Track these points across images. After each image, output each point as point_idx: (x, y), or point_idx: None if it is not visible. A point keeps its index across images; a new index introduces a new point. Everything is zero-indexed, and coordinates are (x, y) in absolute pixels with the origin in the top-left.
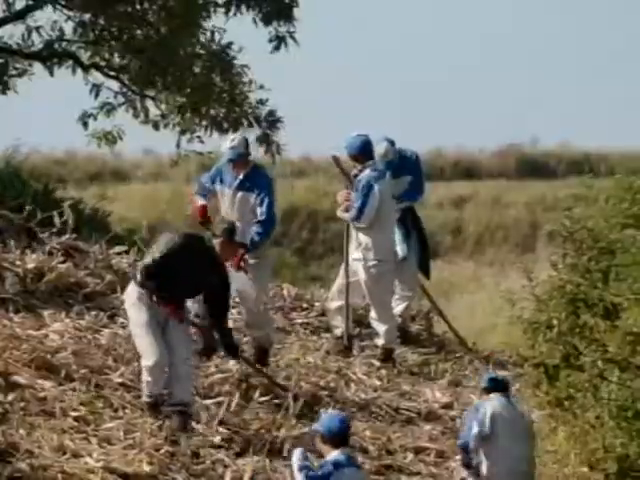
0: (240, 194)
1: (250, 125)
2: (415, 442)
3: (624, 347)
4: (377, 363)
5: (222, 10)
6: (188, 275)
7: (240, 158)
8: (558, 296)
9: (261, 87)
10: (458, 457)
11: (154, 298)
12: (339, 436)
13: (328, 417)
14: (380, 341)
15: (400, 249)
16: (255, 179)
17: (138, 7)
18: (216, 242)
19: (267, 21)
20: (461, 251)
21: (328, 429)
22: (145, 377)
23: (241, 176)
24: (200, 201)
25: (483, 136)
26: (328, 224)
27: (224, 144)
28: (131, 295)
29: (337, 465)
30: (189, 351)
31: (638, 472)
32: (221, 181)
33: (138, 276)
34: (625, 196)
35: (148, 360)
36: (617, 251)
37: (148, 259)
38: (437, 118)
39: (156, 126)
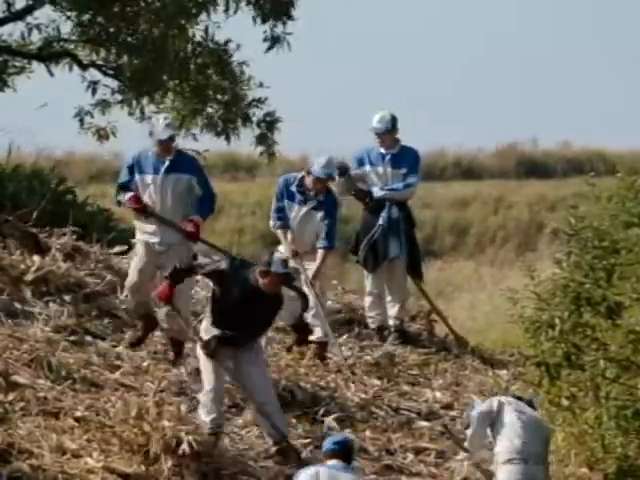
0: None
1: (245, 124)
2: (415, 442)
3: (626, 346)
4: (378, 362)
5: (221, 8)
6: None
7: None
8: (561, 295)
9: (260, 85)
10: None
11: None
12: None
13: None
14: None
15: (391, 249)
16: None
17: (134, 6)
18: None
19: (264, 19)
20: (462, 251)
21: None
22: (201, 401)
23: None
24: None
25: (483, 136)
26: None
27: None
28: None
29: None
30: (269, 383)
31: (638, 472)
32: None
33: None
34: (628, 195)
35: (205, 386)
36: (621, 250)
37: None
38: (437, 118)
39: None
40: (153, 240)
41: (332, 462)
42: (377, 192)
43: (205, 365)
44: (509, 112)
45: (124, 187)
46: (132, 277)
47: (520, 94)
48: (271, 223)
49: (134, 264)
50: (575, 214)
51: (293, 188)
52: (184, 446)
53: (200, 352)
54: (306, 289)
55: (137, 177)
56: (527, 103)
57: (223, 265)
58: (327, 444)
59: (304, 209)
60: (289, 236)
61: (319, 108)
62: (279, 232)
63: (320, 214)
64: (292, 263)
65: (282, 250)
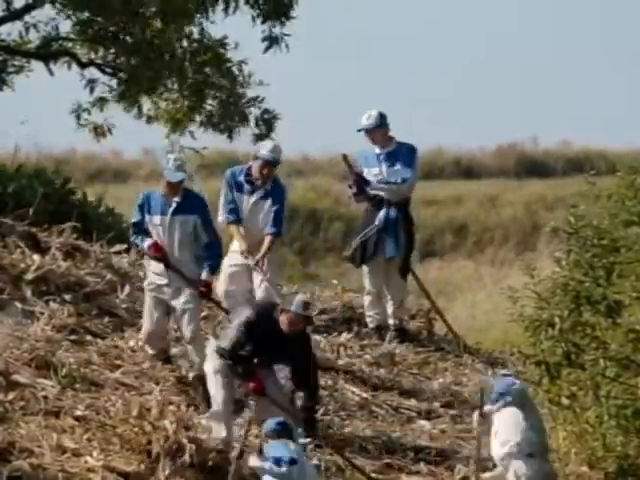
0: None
1: (243, 122)
2: (415, 441)
3: (626, 345)
4: (378, 361)
5: (221, 7)
6: (267, 348)
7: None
8: (561, 293)
9: (260, 83)
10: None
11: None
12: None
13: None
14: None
15: (388, 249)
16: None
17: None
18: (285, 316)
19: (264, 19)
20: (461, 250)
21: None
22: (212, 417)
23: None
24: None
25: (483, 135)
26: (328, 223)
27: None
28: (210, 357)
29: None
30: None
31: (638, 471)
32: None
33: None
34: (627, 193)
35: (214, 402)
36: (621, 248)
37: (225, 343)
38: (437, 117)
39: (149, 121)
40: (161, 282)
41: (278, 441)
42: (374, 185)
43: (213, 381)
44: (509, 111)
45: (138, 226)
46: (147, 326)
47: (520, 94)
48: (220, 218)
49: (146, 312)
50: (575, 213)
51: (241, 179)
52: (185, 457)
53: (208, 368)
54: (258, 282)
55: (146, 217)
56: (527, 103)
57: (248, 314)
58: (270, 424)
59: (252, 199)
60: (242, 230)
61: (319, 108)
62: (232, 227)
63: (268, 202)
64: (246, 260)
65: (235, 246)
